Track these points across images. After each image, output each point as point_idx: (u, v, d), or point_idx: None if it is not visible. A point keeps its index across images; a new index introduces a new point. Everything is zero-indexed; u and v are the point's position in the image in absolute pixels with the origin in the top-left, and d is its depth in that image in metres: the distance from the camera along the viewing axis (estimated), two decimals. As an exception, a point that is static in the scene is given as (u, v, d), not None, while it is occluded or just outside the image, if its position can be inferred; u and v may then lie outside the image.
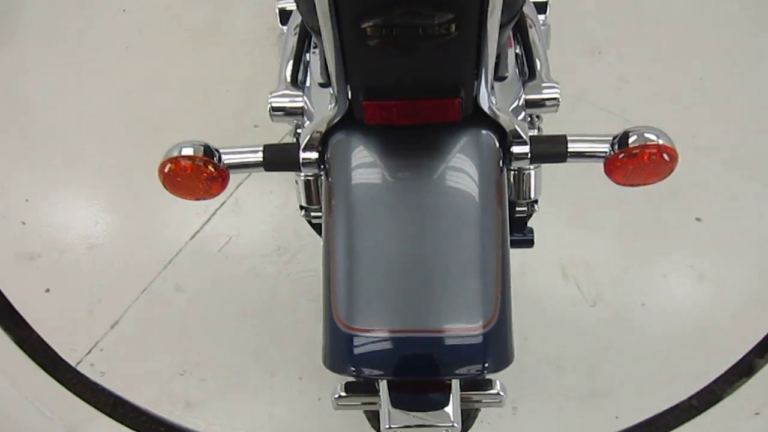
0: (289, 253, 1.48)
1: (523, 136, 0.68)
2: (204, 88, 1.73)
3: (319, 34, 0.66)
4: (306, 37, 0.86)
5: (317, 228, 1.19)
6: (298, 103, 0.79)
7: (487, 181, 0.67)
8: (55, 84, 1.75)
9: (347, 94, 0.64)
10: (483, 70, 0.61)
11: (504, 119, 0.67)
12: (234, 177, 1.35)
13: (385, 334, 0.62)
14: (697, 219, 1.55)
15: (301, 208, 1.19)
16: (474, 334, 0.62)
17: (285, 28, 1.00)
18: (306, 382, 1.35)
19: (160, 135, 1.64)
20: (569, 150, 0.70)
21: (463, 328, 0.62)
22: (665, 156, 0.67)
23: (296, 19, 0.90)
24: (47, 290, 1.45)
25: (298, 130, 0.89)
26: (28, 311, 1.43)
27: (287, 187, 1.56)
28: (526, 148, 0.69)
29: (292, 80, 0.82)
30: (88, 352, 1.38)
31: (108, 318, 1.41)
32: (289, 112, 0.80)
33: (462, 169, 0.66)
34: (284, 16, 1.00)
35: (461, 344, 0.62)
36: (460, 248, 0.64)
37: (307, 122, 0.77)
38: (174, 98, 1.71)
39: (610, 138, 0.70)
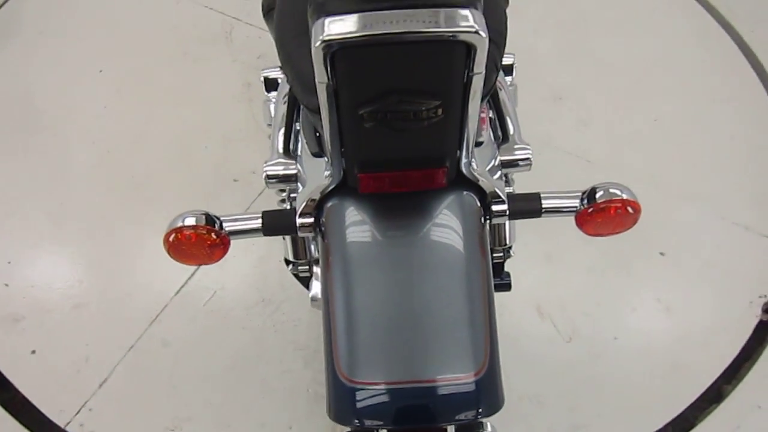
0: (273, 304, 1.52)
1: (502, 196, 0.75)
2: (183, 145, 1.78)
3: (314, 112, 0.73)
4: (295, 108, 0.92)
5: (303, 281, 1.24)
6: (292, 171, 0.85)
7: (471, 238, 0.73)
8: (35, 145, 1.78)
9: (342, 165, 0.70)
10: (465, 142, 0.67)
11: (484, 182, 0.74)
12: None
13: (385, 387, 0.67)
14: (661, 253, 1.64)
15: (288, 262, 1.24)
16: (467, 382, 0.67)
17: (270, 95, 1.06)
18: (296, 431, 1.38)
19: (142, 192, 1.68)
20: (543, 206, 0.77)
21: (457, 377, 0.67)
22: (629, 209, 0.74)
23: (284, 89, 0.96)
24: (33, 351, 1.46)
25: (292, 195, 0.94)
26: (15, 373, 1.43)
27: (268, 240, 1.60)
28: (504, 207, 0.76)
29: (284, 149, 0.88)
30: (77, 412, 1.39)
31: (96, 377, 1.42)
32: (283, 180, 0.85)
33: (448, 229, 0.72)
34: (269, 84, 1.06)
35: (456, 392, 0.67)
36: (451, 301, 0.70)
37: (300, 188, 0.83)
38: (154, 155, 1.75)
39: (579, 193, 0.77)
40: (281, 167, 0.86)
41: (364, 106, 0.59)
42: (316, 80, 0.58)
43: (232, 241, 0.80)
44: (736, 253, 1.65)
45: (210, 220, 0.77)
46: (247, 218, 0.79)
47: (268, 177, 0.86)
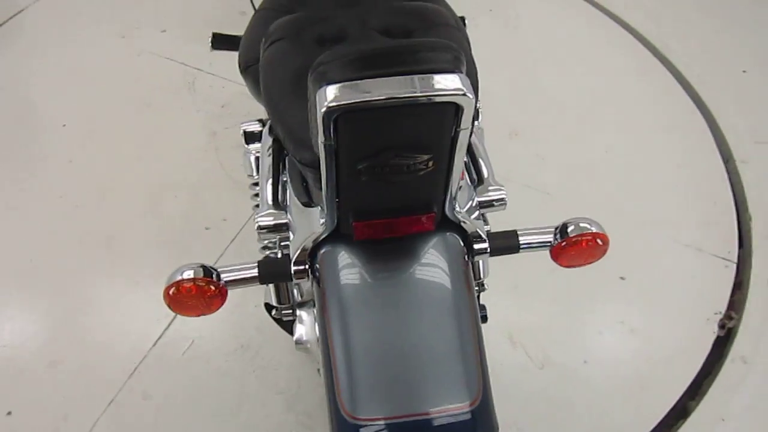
0: (252, 349, 1.53)
1: (483, 236, 0.81)
2: (152, 195, 1.80)
3: (306, 165, 0.77)
4: (280, 160, 0.97)
5: (285, 325, 1.27)
6: (283, 221, 0.89)
7: (457, 276, 0.78)
8: (0, 202, 1.77)
9: (336, 215, 0.75)
10: (451, 188, 0.73)
11: (467, 224, 0.79)
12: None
13: (387, 421, 0.71)
14: (621, 278, 1.72)
15: (270, 307, 1.27)
16: (464, 412, 0.71)
17: (250, 147, 1.10)
18: (282, 474, 1.39)
19: (113, 245, 1.69)
20: (521, 243, 0.83)
21: (454, 407, 0.71)
22: (599, 241, 0.81)
23: (267, 141, 1.01)
24: (9, 413, 1.43)
25: (283, 243, 0.98)
26: (-10, 437, 1.41)
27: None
28: (485, 245, 0.81)
29: (273, 200, 0.92)
30: (58, 472, 1.37)
31: (76, 434, 1.41)
32: (274, 230, 0.89)
33: (436, 268, 0.77)
34: (249, 137, 1.10)
35: (454, 422, 0.71)
36: (443, 335, 0.74)
37: (291, 236, 0.87)
38: (123, 207, 1.76)
39: (553, 229, 0.84)
40: (272, 218, 0.89)
41: (362, 162, 0.64)
42: (319, 141, 0.63)
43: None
44: (690, 274, 1.75)
45: (208, 272, 0.80)
46: (243, 268, 0.83)
47: (260, 228, 0.90)
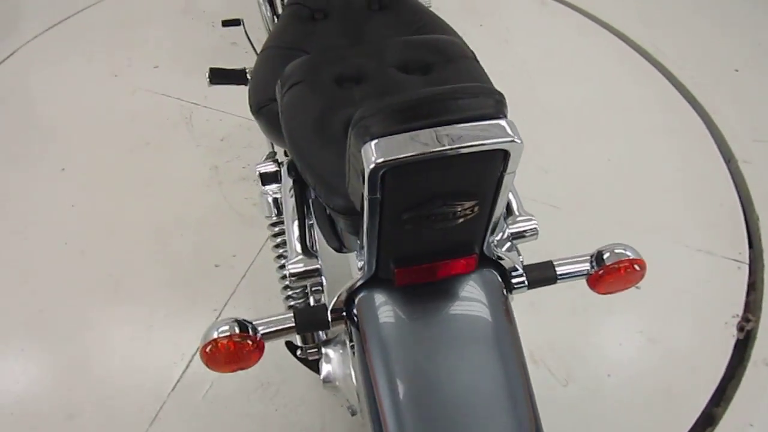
0: (273, 387, 1.51)
1: (520, 269, 0.80)
2: (158, 235, 1.78)
3: (339, 212, 0.76)
4: (303, 202, 0.95)
5: (311, 364, 1.25)
6: (314, 267, 0.87)
7: (499, 312, 0.77)
8: (4, 252, 1.74)
9: (375, 262, 0.73)
10: (491, 228, 0.72)
11: (505, 260, 0.78)
12: (207, 316, 1.41)
13: None
14: (636, 287, 1.71)
15: (293, 347, 1.25)
16: None
17: (267, 188, 1.09)
18: None
19: (122, 289, 1.66)
20: (558, 273, 0.82)
21: None
22: (636, 267, 0.80)
23: (288, 182, 0.99)
24: (29, 471, 1.40)
25: (314, 288, 0.97)
26: (11, 497, 1.38)
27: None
28: (523, 278, 0.80)
29: (303, 246, 0.90)
30: None
31: (100, 488, 1.38)
32: (306, 277, 0.87)
33: (477, 307, 0.76)
34: (265, 177, 1.08)
35: None
36: (492, 377, 0.73)
37: (324, 281, 0.85)
38: (129, 250, 1.74)
39: (588, 257, 0.83)
40: (303, 265, 0.88)
41: (408, 213, 0.63)
42: (365, 195, 0.62)
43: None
44: (704, 278, 1.75)
45: (243, 326, 0.78)
46: (278, 319, 0.81)
47: (292, 275, 0.88)
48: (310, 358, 1.17)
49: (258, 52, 1.77)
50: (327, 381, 1.15)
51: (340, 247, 0.85)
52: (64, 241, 1.76)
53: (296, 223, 0.93)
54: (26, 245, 1.76)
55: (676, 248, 1.80)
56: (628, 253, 0.82)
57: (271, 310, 1.62)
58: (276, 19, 1.74)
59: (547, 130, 2.10)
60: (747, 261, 1.79)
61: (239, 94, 1.70)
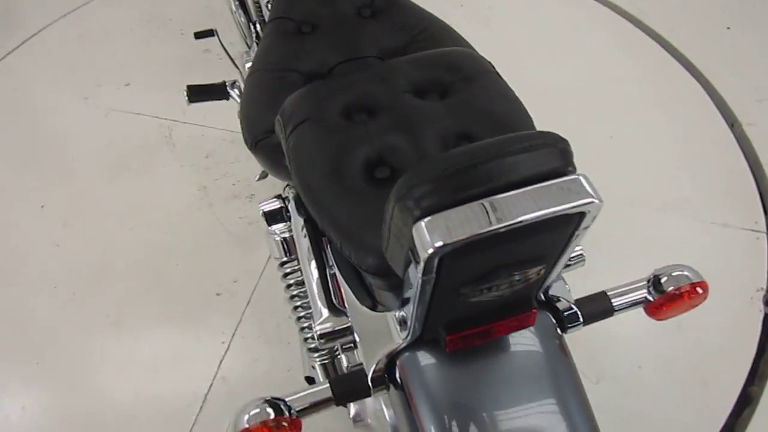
0: (294, 418, 1.43)
1: (574, 308, 0.72)
2: (152, 267, 1.68)
3: (373, 275, 0.67)
4: (319, 245, 0.86)
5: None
6: (345, 325, 0.78)
7: (557, 357, 0.70)
8: (-10, 305, 1.64)
9: (422, 326, 0.65)
10: (550, 279, 0.64)
11: (561, 302, 0.71)
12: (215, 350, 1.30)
13: None
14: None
15: (314, 382, 1.17)
16: None
17: (274, 228, 0.99)
18: None
19: (121, 329, 1.57)
20: (614, 305, 0.75)
21: None
22: (699, 290, 0.73)
23: (299, 221, 0.90)
24: None
25: (345, 346, 0.88)
26: None
27: (271, 352, 1.53)
28: (578, 316, 0.73)
29: (328, 302, 0.81)
30: None
31: None
32: (337, 337, 0.79)
33: (533, 355, 0.69)
34: (270, 217, 0.99)
35: None
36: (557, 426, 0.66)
37: (358, 339, 0.77)
38: (124, 286, 1.64)
39: (644, 283, 0.75)
40: (331, 324, 0.79)
41: (467, 287, 0.55)
42: (417, 276, 0.53)
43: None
44: (723, 252, 1.69)
45: (276, 407, 0.69)
46: (314, 392, 0.72)
47: (321, 337, 0.79)
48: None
49: (236, 62, 1.66)
50: (357, 420, 1.08)
51: (373, 305, 0.76)
52: (53, 284, 1.66)
53: (315, 271, 0.84)
54: (14, 293, 1.65)
55: (692, 224, 1.74)
56: (688, 274, 0.74)
57: (281, 337, 1.54)
58: (252, 27, 1.63)
59: (545, 112, 1.99)
60: (765, 230, 1.73)
61: (220, 105, 1.60)
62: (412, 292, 0.57)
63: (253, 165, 1.49)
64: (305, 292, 0.99)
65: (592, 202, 0.51)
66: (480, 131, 0.79)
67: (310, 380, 1.20)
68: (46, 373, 1.51)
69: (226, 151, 1.93)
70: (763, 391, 1.47)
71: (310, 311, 1.00)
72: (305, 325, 1.02)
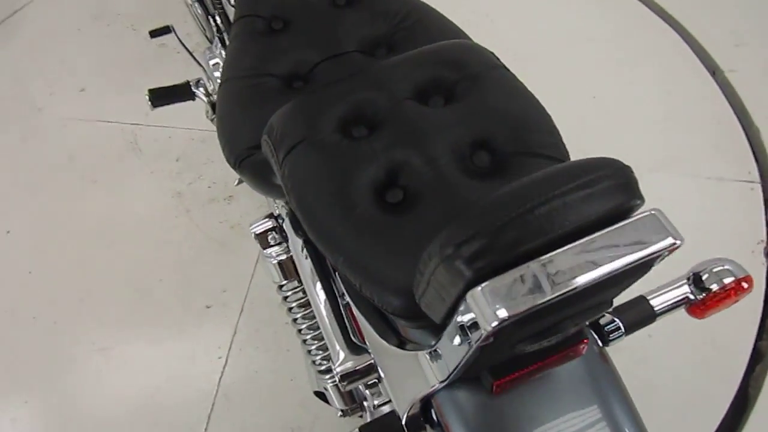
0: (304, 431, 1.38)
1: (616, 320, 0.66)
2: (134, 286, 1.59)
3: (401, 317, 0.60)
4: (324, 270, 0.79)
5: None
6: (368, 363, 0.72)
7: (602, 374, 0.65)
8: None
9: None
10: None
11: (605, 316, 0.65)
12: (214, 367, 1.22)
13: None
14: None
15: (322, 396, 1.11)
16: None
17: (270, 251, 0.91)
18: None
19: (111, 357, 1.48)
20: (655, 309, 0.69)
21: None
22: (744, 285, 0.68)
23: (296, 242, 0.82)
24: None
25: (370, 383, 0.81)
26: None
27: (270, 358, 1.46)
28: (620, 326, 0.67)
29: (347, 341, 0.74)
30: None
31: None
32: (361, 377, 0.72)
33: (580, 380, 0.63)
34: (263, 239, 0.91)
35: None
36: None
37: (383, 376, 0.70)
38: (107, 310, 1.55)
39: (684, 282, 0.70)
40: (352, 363, 0.72)
41: (526, 342, 0.48)
42: (473, 345, 0.46)
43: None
44: (721, 207, 1.66)
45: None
46: None
47: (343, 378, 0.72)
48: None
49: (197, 59, 1.56)
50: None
51: (400, 344, 0.68)
52: (32, 314, 1.56)
53: (325, 302, 0.76)
54: (-13, 328, 1.55)
55: (686, 181, 1.70)
56: (731, 269, 0.69)
57: (279, 345, 1.48)
58: (212, 20, 1.53)
59: (523, 76, 1.94)
60: (758, 179, 1.70)
61: (185, 103, 1.49)
62: (459, 350, 0.50)
63: (227, 164, 1.41)
64: (311, 313, 0.92)
65: (674, 244, 0.45)
66: (498, 137, 0.72)
67: (320, 395, 1.14)
68: (36, 412, 1.43)
69: (197, 152, 1.83)
70: (773, 346, 1.46)
71: (317, 332, 0.94)
72: (313, 347, 0.95)
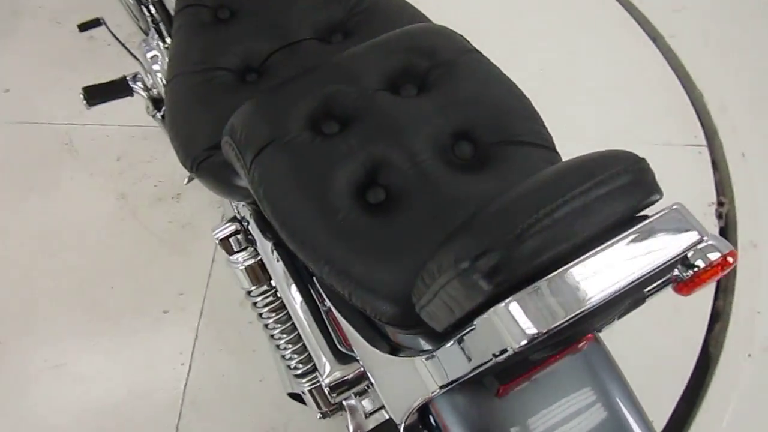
0: (280, 429, 1.34)
1: None
2: (85, 297, 1.51)
3: (393, 326, 0.57)
4: (300, 275, 0.75)
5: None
6: (356, 371, 0.68)
7: (599, 363, 0.63)
8: None
9: None
10: None
11: None
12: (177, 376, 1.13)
13: None
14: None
15: (297, 398, 1.07)
16: None
17: (236, 257, 0.86)
18: None
19: (62, 375, 1.41)
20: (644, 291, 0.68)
21: None
22: (729, 259, 0.67)
23: (266, 245, 0.77)
24: None
25: (364, 396, 0.78)
26: None
27: (236, 360, 1.41)
28: None
29: (332, 350, 0.70)
30: None
31: None
32: (350, 387, 0.68)
33: (580, 369, 0.62)
34: (228, 245, 0.85)
35: None
36: None
37: (374, 382, 0.67)
38: (57, 326, 1.47)
39: None
40: (341, 373, 0.68)
41: (543, 352, 0.46)
42: (491, 360, 0.43)
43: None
44: (672, 171, 1.65)
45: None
46: None
47: (333, 390, 0.69)
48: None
49: (133, 52, 1.47)
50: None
51: (392, 350, 0.65)
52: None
53: (304, 308, 0.72)
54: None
55: (635, 148, 1.68)
56: (715, 244, 0.68)
57: (245, 345, 1.43)
58: (146, 9, 1.44)
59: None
60: (704, 143, 1.74)
61: (122, 99, 1.41)
62: (468, 362, 0.48)
63: (173, 160, 1.33)
64: (284, 317, 0.88)
65: (701, 239, 0.43)
66: (479, 126, 0.68)
67: (295, 396, 1.10)
68: (-12, 438, 1.35)
69: (138, 150, 1.74)
70: (730, 306, 1.50)
71: (291, 336, 0.90)
72: (287, 351, 0.90)
